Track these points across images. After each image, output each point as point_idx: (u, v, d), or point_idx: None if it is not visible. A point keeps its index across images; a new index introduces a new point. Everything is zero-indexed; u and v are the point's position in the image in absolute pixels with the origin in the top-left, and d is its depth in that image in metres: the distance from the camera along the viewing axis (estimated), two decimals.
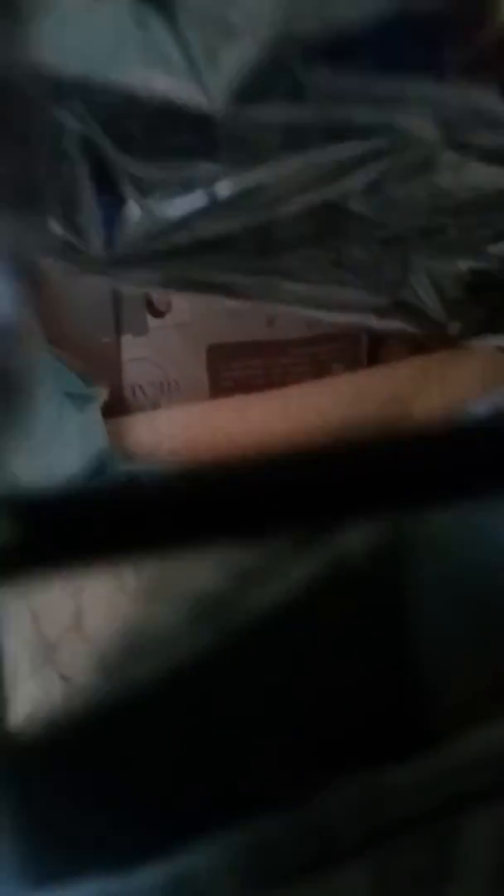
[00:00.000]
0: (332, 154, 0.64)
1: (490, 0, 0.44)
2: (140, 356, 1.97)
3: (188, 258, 0.82)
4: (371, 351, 1.17)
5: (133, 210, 0.79)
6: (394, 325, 1.04)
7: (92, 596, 1.42)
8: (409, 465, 0.24)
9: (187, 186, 0.74)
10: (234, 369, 1.86)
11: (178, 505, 0.24)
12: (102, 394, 1.80)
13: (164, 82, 0.50)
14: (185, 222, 0.78)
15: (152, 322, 1.13)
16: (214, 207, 0.75)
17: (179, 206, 0.77)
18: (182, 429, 1.66)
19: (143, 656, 0.24)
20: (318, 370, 1.83)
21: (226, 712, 0.23)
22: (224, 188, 0.74)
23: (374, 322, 1.07)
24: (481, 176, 0.70)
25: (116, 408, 1.83)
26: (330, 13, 0.43)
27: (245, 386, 1.84)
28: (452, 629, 0.23)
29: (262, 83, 0.48)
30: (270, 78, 0.48)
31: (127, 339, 1.99)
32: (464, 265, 0.95)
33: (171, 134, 0.54)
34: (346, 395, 1.75)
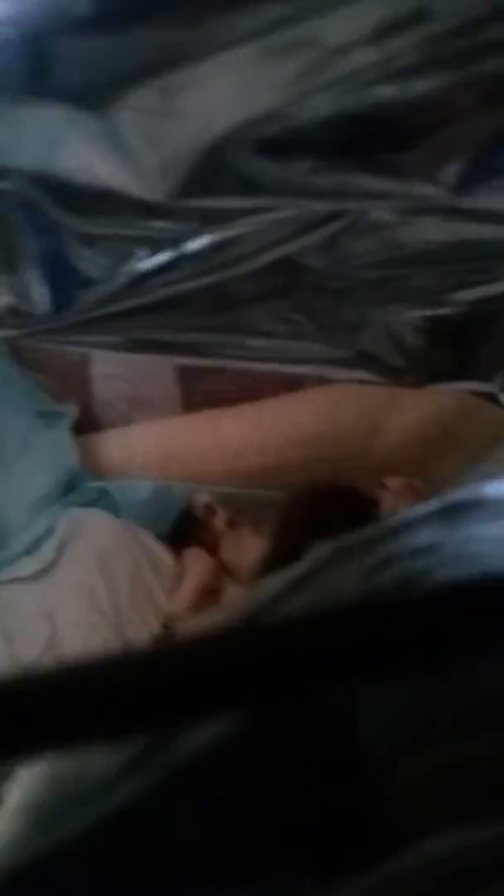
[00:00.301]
0: (291, 215, 0.63)
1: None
2: (110, 372, 1.93)
3: (141, 318, 0.80)
4: None
5: (83, 272, 0.76)
6: (356, 375, 1.04)
7: (66, 618, 1.38)
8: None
9: (140, 247, 0.74)
10: (206, 384, 1.83)
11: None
12: (73, 411, 1.77)
13: (104, 172, 0.49)
14: (138, 283, 0.75)
15: None
16: (171, 267, 0.72)
17: (132, 266, 0.75)
18: (154, 444, 1.63)
19: (77, 804, 0.23)
20: (291, 383, 1.82)
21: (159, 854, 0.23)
22: (180, 248, 0.73)
23: (337, 373, 1.06)
24: (440, 229, 0.70)
25: (87, 424, 1.80)
26: (283, 110, 0.43)
27: (217, 400, 1.82)
28: (400, 739, 0.22)
29: (205, 174, 0.47)
30: (215, 169, 0.47)
31: (96, 355, 1.95)
32: (426, 313, 0.95)
33: (118, 202, 0.53)
34: (320, 408, 1.74)
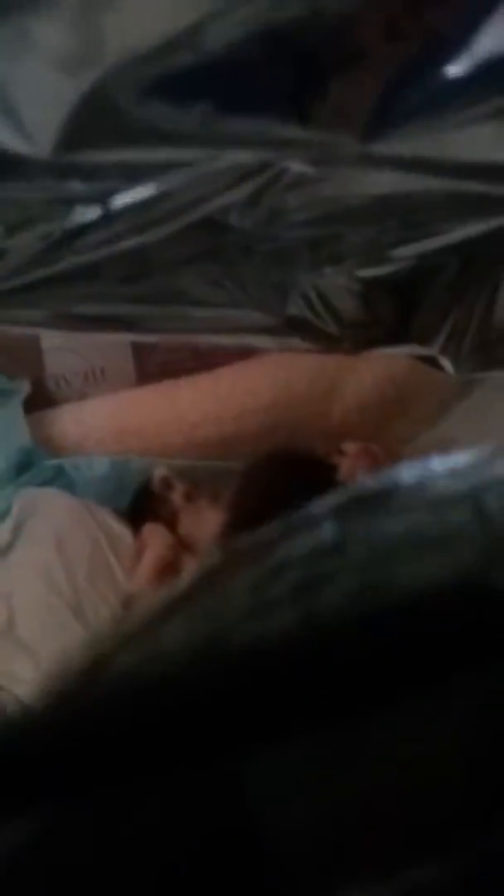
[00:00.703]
0: (210, 172, 0.59)
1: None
2: (62, 345, 1.89)
3: (64, 289, 0.76)
4: None
5: None
6: (290, 343, 1.00)
7: (23, 600, 1.37)
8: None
9: (47, 210, 0.69)
10: (160, 354, 1.80)
11: None
12: (24, 387, 1.73)
13: None
14: (52, 249, 0.71)
15: None
16: (84, 231, 0.68)
17: (40, 231, 0.71)
18: (109, 418, 1.61)
19: None
20: (246, 351, 1.79)
21: None
22: (93, 211, 0.68)
23: (270, 343, 1.02)
24: (364, 182, 0.66)
25: (40, 400, 1.76)
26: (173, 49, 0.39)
27: (173, 371, 1.79)
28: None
29: (90, 125, 0.43)
30: (100, 119, 0.43)
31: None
32: (361, 274, 0.91)
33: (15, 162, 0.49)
34: (275, 375, 1.72)
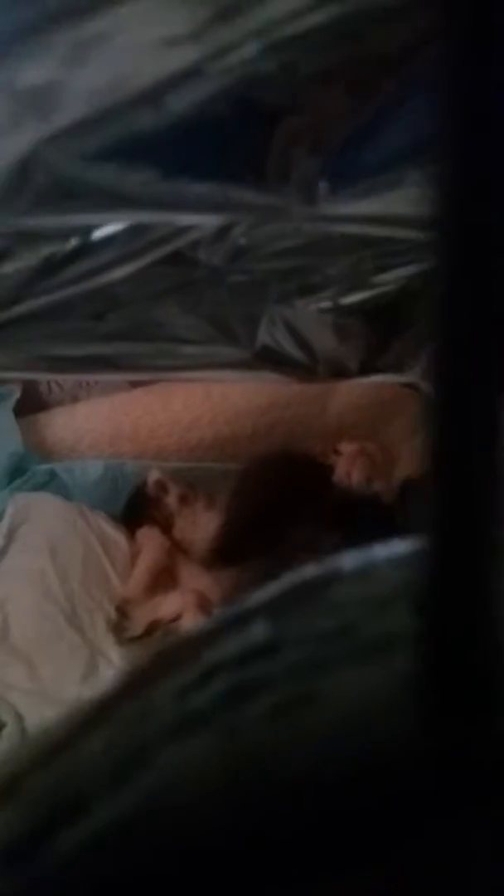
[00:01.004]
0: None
1: None
2: None
3: (28, 330, 0.74)
4: None
5: None
6: (263, 376, 0.99)
7: (17, 606, 1.34)
8: None
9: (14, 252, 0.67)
10: None
11: None
12: (15, 391, 1.71)
13: None
14: (23, 287, 0.69)
15: None
16: (46, 272, 0.66)
17: (12, 271, 0.69)
18: (103, 422, 1.59)
19: None
20: None
21: None
22: (63, 247, 0.66)
23: (242, 377, 1.01)
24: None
25: (31, 404, 1.74)
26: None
27: None
28: None
29: (30, 186, 0.42)
30: (43, 181, 0.42)
31: None
32: (334, 304, 0.90)
33: None
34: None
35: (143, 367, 0.85)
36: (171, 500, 1.48)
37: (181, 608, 1.14)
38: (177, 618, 1.13)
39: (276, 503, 1.44)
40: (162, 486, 1.50)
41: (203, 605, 1.15)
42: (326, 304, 0.82)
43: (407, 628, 0.21)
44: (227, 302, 0.78)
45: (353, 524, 1.36)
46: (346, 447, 1.58)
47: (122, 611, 1.27)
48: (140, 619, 1.20)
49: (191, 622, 1.12)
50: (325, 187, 0.42)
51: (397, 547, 0.27)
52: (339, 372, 0.95)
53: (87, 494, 1.51)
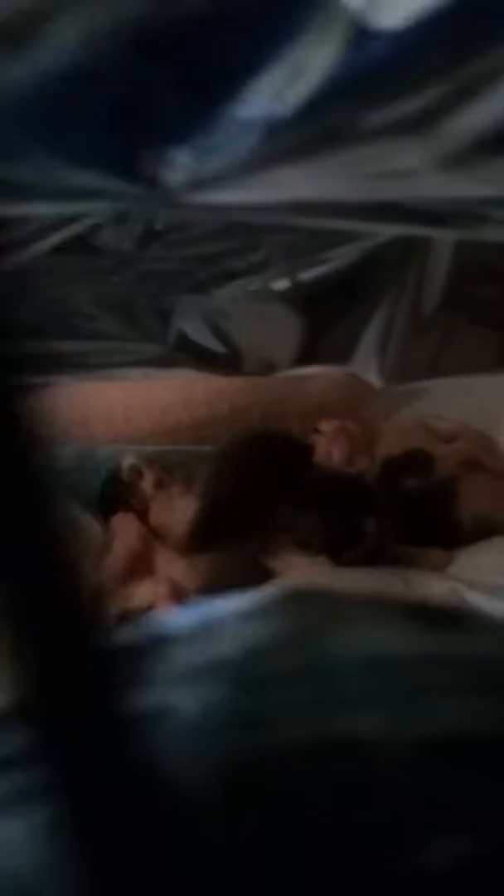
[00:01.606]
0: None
1: None
2: None
3: None
4: None
5: None
6: (184, 373, 0.93)
7: None
8: None
9: None
10: None
11: None
12: None
13: None
14: None
15: None
16: None
17: None
18: (75, 406, 1.54)
19: None
20: None
21: None
22: None
23: (162, 374, 0.95)
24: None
25: None
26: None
27: None
28: None
29: None
30: None
31: None
32: (258, 292, 0.83)
33: None
34: None
35: (45, 370, 0.80)
36: (147, 485, 1.44)
37: (154, 597, 1.10)
38: (150, 607, 1.10)
39: (253, 485, 1.40)
40: (137, 471, 1.45)
41: (176, 593, 1.11)
42: (252, 290, 0.77)
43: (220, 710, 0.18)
44: (139, 294, 0.72)
45: (332, 504, 1.33)
46: (326, 426, 1.54)
47: (96, 600, 1.24)
48: (112, 609, 1.17)
49: (164, 611, 1.08)
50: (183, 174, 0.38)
51: (231, 605, 0.23)
52: (267, 365, 0.90)
53: (58, 482, 1.46)
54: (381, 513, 1.30)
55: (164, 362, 0.83)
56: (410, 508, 1.37)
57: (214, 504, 1.40)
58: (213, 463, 1.47)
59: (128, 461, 1.46)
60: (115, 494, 1.45)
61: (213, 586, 1.26)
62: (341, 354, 0.93)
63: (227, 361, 0.85)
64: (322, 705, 0.19)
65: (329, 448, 1.51)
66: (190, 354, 0.82)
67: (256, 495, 1.37)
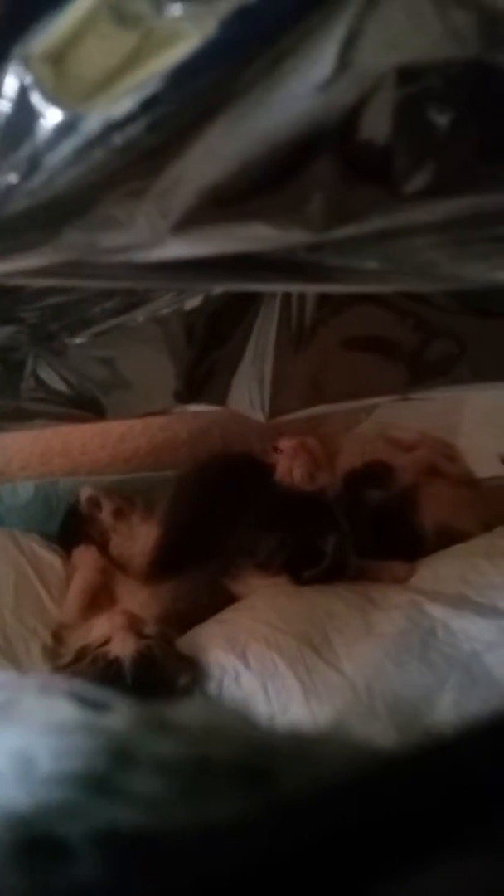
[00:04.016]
0: None
1: None
2: None
3: None
4: None
5: None
6: (37, 425, 0.91)
7: None
8: None
9: None
10: None
11: None
12: None
13: None
14: None
15: None
16: None
17: None
18: (32, 441, 1.53)
19: None
20: None
21: None
22: None
23: (14, 425, 0.93)
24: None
25: None
26: None
27: None
28: None
29: None
30: None
31: None
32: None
33: None
34: None
35: None
36: (105, 515, 1.42)
37: (110, 631, 1.08)
38: (106, 642, 1.08)
39: (213, 508, 1.39)
40: (95, 503, 1.44)
41: (133, 625, 1.09)
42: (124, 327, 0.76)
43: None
44: None
45: (291, 524, 1.31)
46: (286, 443, 1.53)
47: (58, 636, 1.22)
48: (72, 645, 1.15)
49: (120, 645, 1.06)
50: None
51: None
52: (131, 408, 0.88)
53: (18, 517, 1.45)
54: (342, 529, 1.29)
55: (15, 417, 0.81)
56: (372, 521, 1.36)
57: (174, 530, 1.39)
58: (172, 489, 1.46)
59: (86, 493, 1.45)
60: (75, 527, 1.44)
61: (176, 614, 1.25)
62: (220, 394, 0.91)
63: (89, 409, 0.83)
64: None
65: (289, 465, 1.50)
66: (51, 405, 0.80)
67: (216, 519, 1.35)
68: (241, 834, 0.16)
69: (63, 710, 0.20)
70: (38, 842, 0.17)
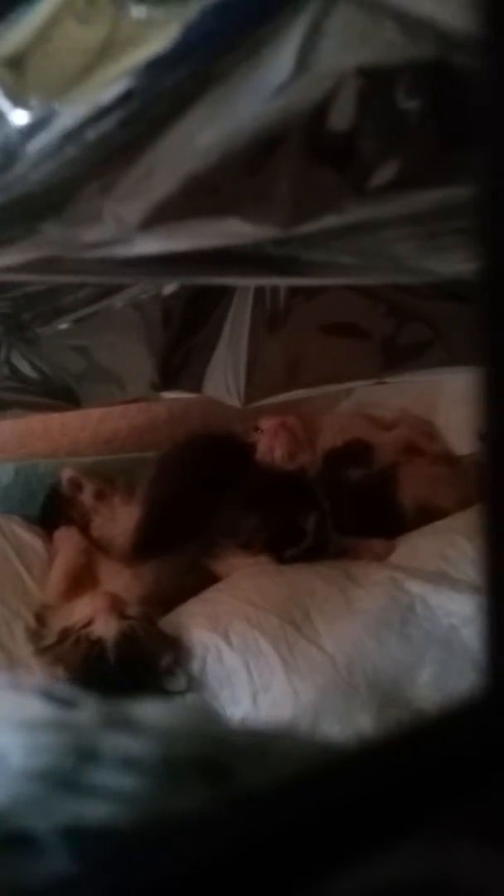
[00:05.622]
0: None
1: None
2: None
3: None
4: None
5: None
6: (12, 414, 0.90)
7: None
8: None
9: None
10: None
11: None
12: None
13: None
14: None
15: None
16: None
17: None
18: (11, 423, 1.52)
19: None
20: None
21: None
22: None
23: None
24: None
25: None
26: None
27: None
28: None
29: None
30: None
31: None
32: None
33: None
34: None
35: None
36: (87, 497, 1.43)
37: (93, 612, 1.09)
38: (89, 623, 1.09)
39: (194, 489, 1.39)
40: (76, 484, 1.44)
41: (115, 606, 1.10)
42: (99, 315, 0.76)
43: None
44: None
45: (272, 503, 1.32)
46: (267, 423, 1.53)
47: (41, 618, 1.23)
48: (55, 626, 1.16)
49: (103, 626, 1.07)
50: None
51: None
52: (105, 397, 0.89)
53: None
54: (322, 508, 1.30)
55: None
56: (352, 499, 1.37)
57: (155, 511, 1.39)
58: (153, 469, 1.46)
59: (67, 474, 1.45)
60: (56, 509, 1.44)
61: (159, 594, 1.26)
62: (196, 383, 0.92)
63: (63, 398, 0.83)
64: None
65: (270, 445, 1.50)
66: (25, 394, 0.80)
67: (197, 499, 1.36)
68: (202, 828, 0.17)
69: (32, 707, 0.21)
70: (6, 836, 0.17)
